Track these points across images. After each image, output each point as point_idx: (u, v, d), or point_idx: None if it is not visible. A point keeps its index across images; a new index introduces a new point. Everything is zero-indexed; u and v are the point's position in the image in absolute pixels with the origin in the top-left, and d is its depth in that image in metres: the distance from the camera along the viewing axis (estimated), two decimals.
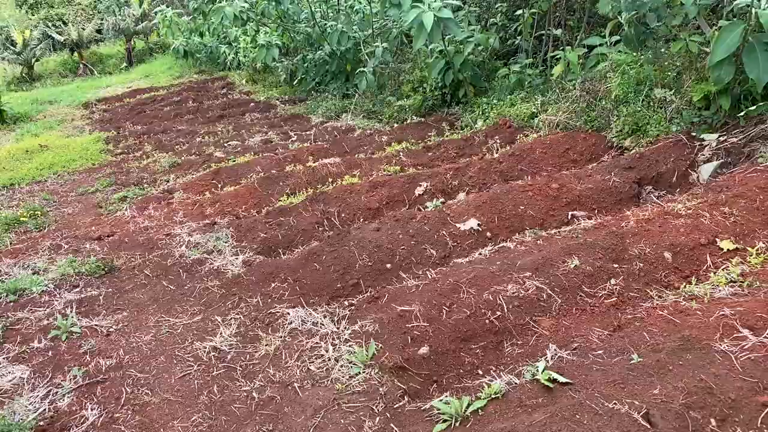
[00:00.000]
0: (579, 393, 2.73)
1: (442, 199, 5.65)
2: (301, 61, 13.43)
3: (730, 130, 5.95)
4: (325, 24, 12.35)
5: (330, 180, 6.95)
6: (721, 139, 5.88)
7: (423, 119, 9.35)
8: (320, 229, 5.74)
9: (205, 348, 3.89)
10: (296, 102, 13.37)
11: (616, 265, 4.01)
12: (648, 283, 3.92)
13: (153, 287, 4.98)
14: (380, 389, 3.16)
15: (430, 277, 4.15)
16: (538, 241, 4.49)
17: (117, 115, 13.96)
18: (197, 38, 18.74)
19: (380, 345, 3.49)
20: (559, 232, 4.71)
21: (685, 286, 3.71)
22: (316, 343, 3.71)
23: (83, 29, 22.33)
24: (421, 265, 4.68)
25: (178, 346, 4.00)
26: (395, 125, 9.52)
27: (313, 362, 3.53)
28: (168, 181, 8.35)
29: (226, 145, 10.00)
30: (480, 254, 4.53)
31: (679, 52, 6.15)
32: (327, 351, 3.59)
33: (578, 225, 4.73)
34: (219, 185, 7.69)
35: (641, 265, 4.00)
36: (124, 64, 22.43)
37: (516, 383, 2.96)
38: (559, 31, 8.99)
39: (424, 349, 3.46)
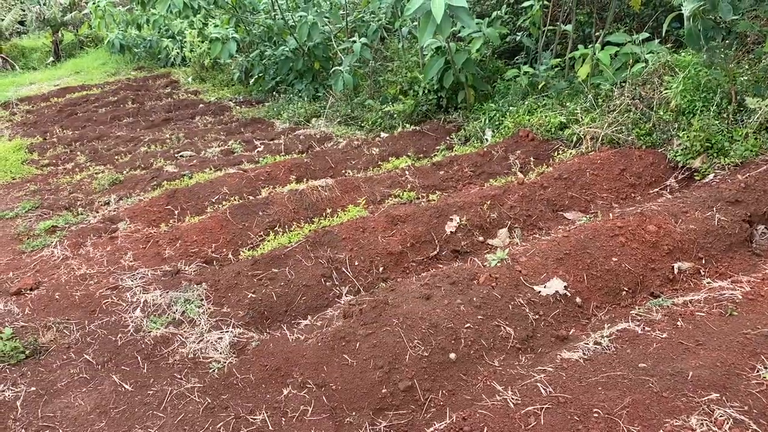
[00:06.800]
0: None
1: (505, 249, 4.15)
2: (258, 58, 11.81)
3: None
4: (289, 15, 10.81)
5: (326, 210, 5.44)
6: None
7: (417, 128, 7.92)
8: (328, 284, 4.24)
9: None
10: (253, 104, 11.77)
11: None
12: None
13: (99, 385, 3.39)
14: None
15: (545, 392, 2.72)
16: (678, 322, 3.12)
17: (43, 117, 11.96)
18: (135, 31, 16.83)
19: None
20: (690, 302, 3.36)
21: None
22: None
23: (2, 20, 19.87)
24: (495, 352, 3.26)
25: None
26: (383, 134, 8.05)
27: None
28: (109, 204, 6.66)
29: (177, 156, 8.31)
30: (596, 343, 3.12)
31: None
32: None
33: (722, 292, 3.39)
34: (176, 212, 6.07)
35: None
36: (51, 59, 20.08)
37: None
38: (569, 27, 7.73)
39: None
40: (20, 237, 5.89)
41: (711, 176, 5.01)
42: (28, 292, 4.65)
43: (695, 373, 2.66)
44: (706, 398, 2.52)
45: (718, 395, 2.53)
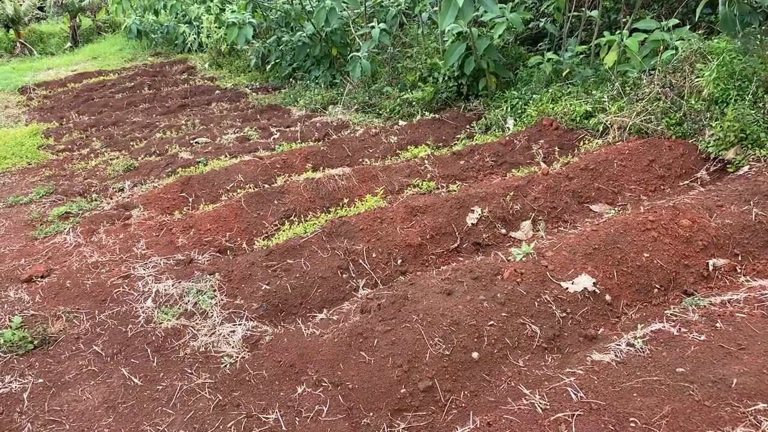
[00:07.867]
0: None
1: (530, 242, 3.99)
2: (275, 44, 11.63)
3: None
4: (307, 0, 10.62)
5: (343, 199, 5.29)
6: None
7: (437, 116, 7.73)
8: (345, 276, 4.10)
9: None
10: (269, 90, 11.60)
11: None
12: None
13: (107, 379, 3.27)
14: None
15: (575, 397, 2.56)
16: (717, 324, 2.94)
17: (60, 102, 11.93)
18: (152, 16, 16.76)
19: None
20: (729, 301, 3.17)
21: None
22: None
23: (20, 4, 19.85)
24: (520, 352, 3.10)
25: None
26: (402, 122, 7.88)
27: None
28: (123, 190, 6.55)
29: (192, 142, 8.19)
30: (628, 345, 2.95)
31: None
32: None
33: (763, 292, 3.19)
34: (190, 200, 5.95)
35: None
36: (69, 44, 20.08)
37: None
38: (595, 13, 7.48)
39: None
40: (33, 223, 5.80)
41: (745, 168, 4.79)
42: (39, 279, 4.55)
43: (739, 380, 2.48)
44: (752, 408, 2.34)
45: (765, 405, 2.35)
